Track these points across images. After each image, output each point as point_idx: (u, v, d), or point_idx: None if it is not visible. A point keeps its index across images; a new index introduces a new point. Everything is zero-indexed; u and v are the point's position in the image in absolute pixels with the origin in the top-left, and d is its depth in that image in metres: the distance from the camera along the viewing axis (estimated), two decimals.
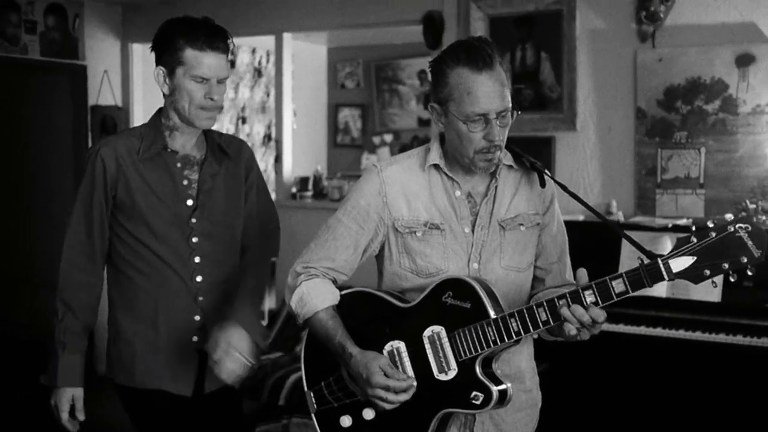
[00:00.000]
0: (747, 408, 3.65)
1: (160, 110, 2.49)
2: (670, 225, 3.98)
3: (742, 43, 4.06)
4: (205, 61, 2.33)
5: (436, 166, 2.09)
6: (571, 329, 1.86)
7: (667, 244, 3.83)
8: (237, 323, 2.39)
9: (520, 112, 2.04)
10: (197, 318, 2.47)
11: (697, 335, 3.66)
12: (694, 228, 1.79)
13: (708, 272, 1.76)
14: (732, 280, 1.78)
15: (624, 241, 3.92)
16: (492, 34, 4.54)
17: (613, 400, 3.90)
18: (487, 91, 1.93)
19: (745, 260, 1.73)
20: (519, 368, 2.14)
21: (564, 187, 2.12)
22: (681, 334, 3.69)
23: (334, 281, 2.15)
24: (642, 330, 3.77)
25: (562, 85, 4.50)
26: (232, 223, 2.56)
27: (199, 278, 2.47)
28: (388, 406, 1.97)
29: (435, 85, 2.02)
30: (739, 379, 3.66)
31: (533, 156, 2.16)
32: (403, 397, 1.96)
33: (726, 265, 1.74)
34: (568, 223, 2.27)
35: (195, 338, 2.47)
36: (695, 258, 1.76)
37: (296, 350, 4.85)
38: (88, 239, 2.44)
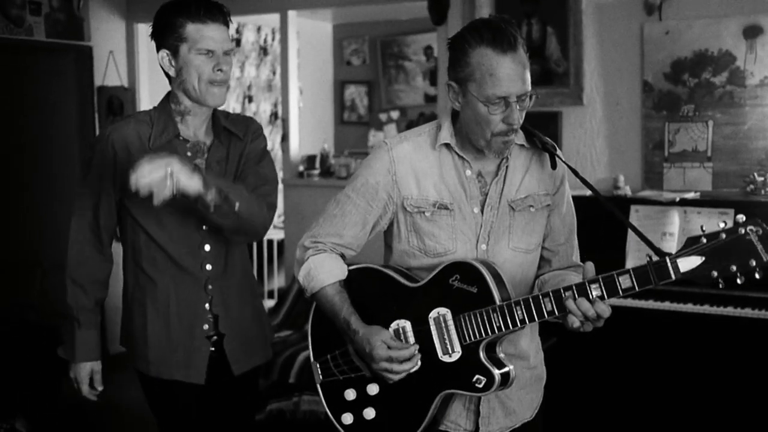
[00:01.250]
0: (754, 380, 3.66)
1: (168, 96, 2.45)
2: (677, 199, 3.96)
3: (749, 14, 4.03)
4: (207, 34, 2.31)
5: (447, 146, 2.08)
6: (574, 321, 1.87)
7: (674, 218, 3.83)
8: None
9: (538, 96, 2.03)
10: (207, 306, 2.48)
11: (705, 308, 3.67)
12: (703, 229, 1.77)
13: (716, 274, 1.73)
14: (739, 282, 1.74)
15: (632, 218, 3.92)
16: (498, 10, 4.52)
17: (621, 374, 3.92)
18: (510, 73, 1.90)
19: (754, 264, 1.70)
20: (523, 347, 2.15)
21: (575, 172, 2.09)
22: (689, 307, 3.70)
23: (342, 256, 2.16)
24: (650, 304, 3.78)
25: (569, 60, 4.48)
26: None
27: (209, 267, 2.47)
28: (394, 377, 1.99)
29: (454, 63, 1.99)
30: (747, 352, 3.67)
31: (541, 131, 2.13)
32: (408, 365, 1.98)
33: (734, 268, 1.72)
34: (576, 198, 2.25)
35: (206, 326, 2.48)
36: (703, 258, 1.74)
37: (306, 328, 4.88)
38: (95, 221, 2.45)
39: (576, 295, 1.85)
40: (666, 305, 3.73)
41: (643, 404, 3.89)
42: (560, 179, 2.15)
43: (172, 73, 2.37)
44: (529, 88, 1.96)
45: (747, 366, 3.67)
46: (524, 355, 2.15)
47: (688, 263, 1.75)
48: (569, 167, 2.11)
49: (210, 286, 2.47)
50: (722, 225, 1.75)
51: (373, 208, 2.10)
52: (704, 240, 1.75)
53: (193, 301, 2.47)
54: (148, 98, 5.99)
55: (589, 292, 1.85)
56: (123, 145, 2.37)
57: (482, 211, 2.07)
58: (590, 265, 1.89)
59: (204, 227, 2.42)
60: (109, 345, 4.90)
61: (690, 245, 1.76)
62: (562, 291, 1.87)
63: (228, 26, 2.37)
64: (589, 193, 4.05)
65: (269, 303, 6.50)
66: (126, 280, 2.54)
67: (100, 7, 5.90)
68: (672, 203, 3.94)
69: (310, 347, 2.21)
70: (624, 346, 3.88)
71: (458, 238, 2.06)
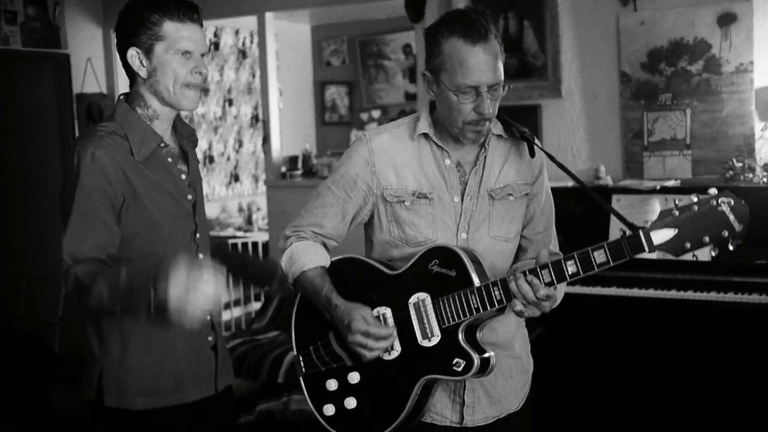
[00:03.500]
0: (738, 363, 3.70)
1: (127, 100, 2.20)
2: (658, 187, 4.00)
3: (723, 2, 4.07)
4: (186, 34, 2.13)
5: (425, 135, 2.10)
6: (516, 305, 1.89)
7: (656, 206, 3.86)
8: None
9: (511, 87, 2.04)
10: (208, 317, 2.25)
11: (689, 294, 3.69)
12: (676, 202, 1.78)
13: (689, 245, 1.75)
14: (713, 254, 1.77)
15: (615, 206, 3.95)
16: (474, 4, 4.54)
17: (608, 362, 3.95)
18: (480, 63, 1.93)
19: (726, 234, 1.73)
20: (507, 337, 2.16)
21: (552, 158, 2.11)
22: (673, 294, 3.73)
23: (324, 246, 2.19)
24: (634, 292, 3.80)
25: (546, 53, 4.50)
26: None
27: None
28: (368, 354, 2.00)
29: (428, 53, 2.02)
30: (731, 335, 3.70)
31: (521, 124, 2.14)
32: (383, 344, 2.00)
33: (707, 239, 1.74)
34: (558, 190, 2.28)
35: (210, 338, 2.28)
36: (676, 231, 1.75)
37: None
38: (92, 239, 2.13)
39: (552, 273, 1.87)
40: (650, 293, 3.76)
41: (633, 393, 3.92)
42: (539, 169, 2.17)
43: (142, 73, 2.14)
44: (501, 78, 1.97)
45: (735, 348, 3.71)
46: (508, 345, 2.17)
47: (661, 236, 1.77)
48: (546, 153, 2.13)
49: None
50: (695, 198, 1.76)
51: (352, 199, 2.13)
52: (677, 213, 1.76)
53: None
54: None
55: (565, 269, 1.86)
56: (115, 164, 2.10)
57: (462, 200, 2.09)
58: (544, 253, 1.90)
59: (198, 235, 2.25)
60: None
61: (663, 218, 1.78)
62: (538, 269, 1.88)
63: (202, 27, 2.21)
64: (571, 183, 4.10)
65: (255, 305, 6.50)
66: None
67: (77, 14, 5.88)
68: (653, 191, 3.98)
69: (293, 341, 2.22)
70: (612, 335, 3.91)
71: (438, 226, 2.08)
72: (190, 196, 2.23)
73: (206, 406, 2.27)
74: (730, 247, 1.75)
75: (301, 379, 2.19)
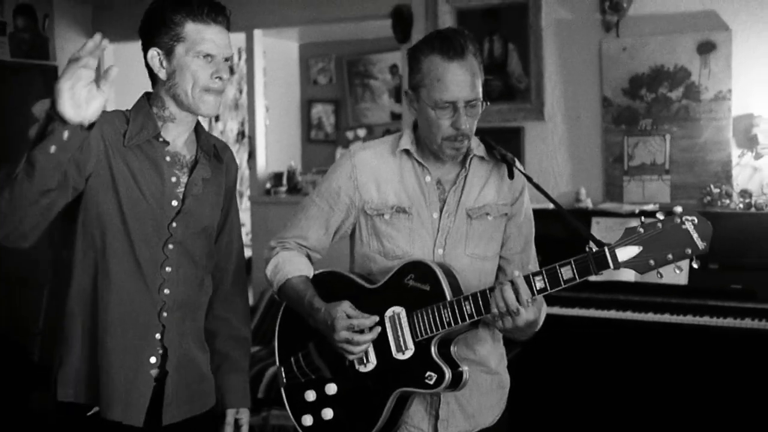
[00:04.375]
0: (712, 385, 3.74)
1: (147, 98, 2.13)
2: (637, 211, 4.06)
3: (703, 31, 4.15)
4: (209, 36, 2.02)
5: (407, 152, 2.15)
6: (495, 314, 1.91)
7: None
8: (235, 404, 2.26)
9: (488, 103, 2.09)
10: (158, 336, 2.09)
11: (666, 317, 3.75)
12: (642, 219, 1.82)
13: (653, 262, 1.79)
14: (677, 272, 1.80)
15: (593, 230, 4.01)
16: (460, 26, 4.60)
17: (586, 382, 3.98)
18: (457, 79, 1.99)
19: (690, 251, 1.77)
20: (483, 353, 2.20)
21: (529, 179, 2.16)
22: (650, 316, 3.77)
23: (308, 257, 2.24)
24: (612, 314, 3.85)
25: (530, 76, 4.57)
26: (209, 237, 2.20)
27: (167, 291, 2.09)
28: (355, 349, 2.03)
29: (410, 71, 2.09)
30: (705, 358, 3.75)
31: (504, 146, 2.20)
32: (369, 337, 2.03)
33: (670, 256, 1.78)
34: (539, 212, 2.32)
35: (153, 359, 2.09)
36: (641, 248, 1.79)
37: (273, 344, 4.89)
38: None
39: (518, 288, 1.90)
40: (628, 315, 3.81)
41: (609, 413, 3.95)
42: (519, 191, 2.21)
43: (162, 75, 2.04)
44: (479, 95, 2.03)
45: (710, 370, 3.75)
46: (484, 361, 2.20)
47: (626, 253, 1.81)
48: (524, 174, 2.17)
49: (165, 314, 2.09)
50: (660, 217, 1.81)
51: (335, 212, 2.18)
52: (641, 230, 1.81)
53: (142, 327, 2.08)
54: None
55: (533, 284, 1.90)
56: (98, 135, 2.00)
57: (440, 217, 2.13)
58: (516, 273, 1.92)
59: (170, 246, 2.09)
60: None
61: (628, 235, 1.82)
62: (498, 288, 1.92)
63: (229, 30, 2.11)
64: (550, 206, 4.16)
65: None
66: (58, 292, 2.12)
67: (66, 26, 5.91)
68: (632, 215, 4.04)
69: (276, 352, 2.26)
70: (589, 355, 3.95)
71: (415, 241, 2.13)
72: (174, 203, 2.09)
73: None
74: (694, 265, 1.79)
75: (282, 389, 2.23)
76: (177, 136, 2.12)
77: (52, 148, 1.74)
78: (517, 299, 1.88)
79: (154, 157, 2.08)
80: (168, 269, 2.09)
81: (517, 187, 2.20)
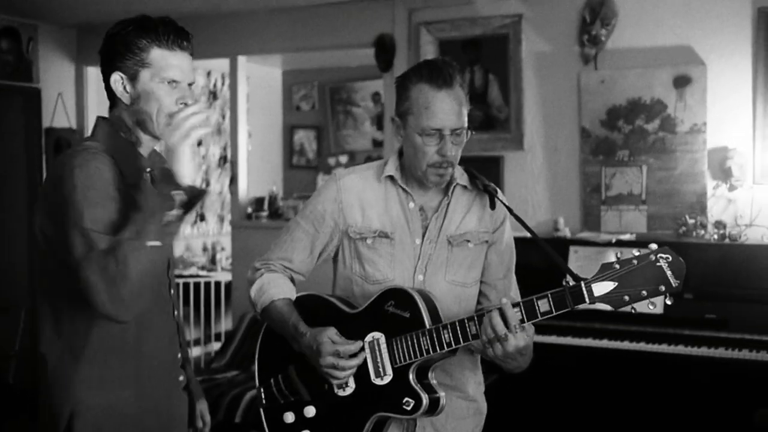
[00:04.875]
0: (686, 413, 3.78)
1: (108, 123, 2.05)
2: (614, 240, 4.12)
3: (679, 65, 4.24)
4: (175, 62, 1.99)
5: (391, 178, 2.19)
6: (484, 342, 1.92)
7: (611, 259, 3.96)
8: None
9: (474, 133, 2.14)
10: (180, 356, 2.16)
11: (641, 346, 3.79)
12: (618, 255, 1.87)
13: (627, 298, 1.83)
14: (651, 308, 1.85)
15: (571, 259, 4.06)
16: (442, 56, 4.67)
17: (562, 409, 4.01)
18: (444, 108, 2.04)
19: (663, 289, 1.81)
20: (460, 379, 2.22)
21: (510, 210, 2.19)
22: (626, 345, 3.82)
23: (291, 279, 2.25)
24: (589, 342, 3.89)
25: (510, 106, 4.64)
26: None
27: (176, 312, 2.15)
28: (340, 374, 2.04)
29: (398, 99, 2.14)
30: (680, 387, 3.79)
31: (483, 175, 2.24)
32: (354, 362, 2.04)
33: (645, 293, 1.82)
34: (518, 240, 2.33)
35: (181, 377, 2.15)
36: (616, 284, 1.83)
37: (252, 369, 4.89)
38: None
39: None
40: (604, 343, 3.85)
41: None
42: (501, 221, 2.25)
43: (126, 99, 2.00)
44: (465, 124, 2.08)
45: (684, 398, 3.79)
46: (461, 387, 2.22)
47: (601, 288, 1.85)
48: (505, 206, 2.21)
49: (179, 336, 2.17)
50: (636, 253, 1.85)
51: (320, 234, 2.21)
52: (617, 266, 1.85)
53: (170, 354, 2.10)
54: None
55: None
56: (113, 168, 1.95)
57: (422, 243, 2.17)
58: (505, 300, 1.95)
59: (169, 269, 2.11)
60: None
61: (604, 271, 1.86)
62: (486, 314, 1.94)
63: (192, 56, 2.08)
64: (528, 235, 4.21)
65: (215, 345, 6.48)
66: (59, 356, 1.97)
67: (51, 49, 5.93)
68: (609, 244, 4.09)
69: (256, 373, 2.28)
70: (565, 382, 3.98)
71: (396, 266, 2.16)
72: None
73: None
74: (667, 302, 1.82)
75: (261, 410, 2.24)
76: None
77: None
78: (506, 326, 1.90)
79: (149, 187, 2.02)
80: (172, 291, 2.14)
81: (498, 216, 2.23)
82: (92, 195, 1.83)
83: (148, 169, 2.04)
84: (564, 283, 1.89)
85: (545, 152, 4.62)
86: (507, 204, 2.22)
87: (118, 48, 1.99)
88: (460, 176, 2.20)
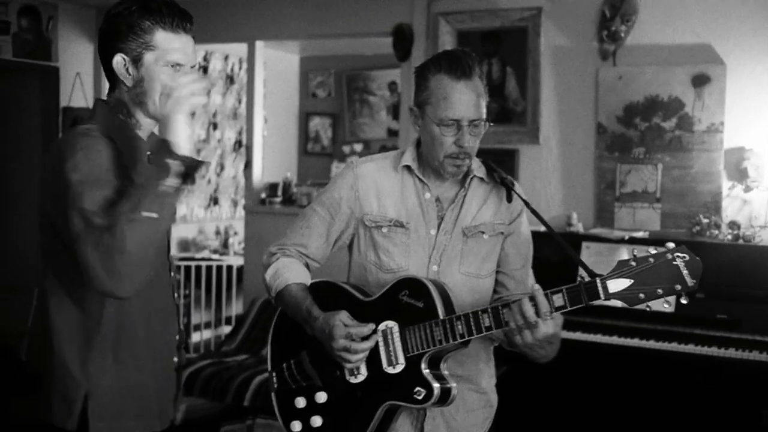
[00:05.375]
0: (695, 413, 3.78)
1: (106, 105, 2.01)
2: (626, 237, 4.11)
3: (697, 63, 4.22)
4: (179, 45, 1.95)
5: (408, 168, 2.19)
6: (513, 330, 1.93)
7: (623, 256, 3.95)
8: None
9: (492, 124, 2.14)
10: (177, 337, 2.15)
11: (651, 344, 3.79)
12: (634, 253, 1.86)
13: (642, 296, 1.83)
14: (666, 307, 1.83)
15: (584, 254, 4.05)
16: (460, 47, 4.66)
17: (569, 404, 4.02)
18: (463, 98, 2.04)
19: (679, 288, 1.80)
20: (472, 370, 2.23)
21: (527, 203, 2.20)
22: (636, 342, 3.82)
23: (307, 266, 2.26)
24: (598, 338, 3.89)
25: (527, 100, 4.63)
26: None
27: (175, 294, 2.15)
28: (353, 358, 2.04)
29: (416, 89, 2.14)
30: (689, 386, 3.79)
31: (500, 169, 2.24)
32: (366, 345, 2.04)
33: (660, 291, 1.81)
34: (533, 234, 2.32)
35: (175, 359, 2.14)
36: (632, 281, 1.83)
37: (262, 353, 4.92)
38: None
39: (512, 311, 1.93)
40: (614, 339, 3.85)
41: None
42: (517, 213, 2.25)
43: (128, 82, 1.95)
44: (483, 115, 2.08)
45: (693, 398, 3.79)
46: (474, 379, 2.23)
47: (617, 285, 1.85)
48: (522, 199, 2.21)
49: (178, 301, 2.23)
50: (652, 251, 1.84)
51: (336, 222, 2.22)
52: (633, 264, 1.84)
53: (169, 334, 2.10)
54: None
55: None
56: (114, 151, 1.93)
57: (437, 234, 2.17)
58: (537, 286, 1.95)
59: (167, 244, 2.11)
60: None
61: (620, 268, 1.86)
62: (500, 307, 1.96)
63: (194, 39, 2.03)
64: (543, 229, 4.21)
65: (226, 329, 6.52)
66: (69, 334, 1.97)
67: (70, 29, 5.95)
68: (621, 241, 4.09)
69: (269, 358, 2.30)
70: (574, 377, 3.98)
71: (411, 256, 2.17)
72: None
73: None
74: (683, 300, 1.82)
75: (272, 394, 2.26)
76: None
77: None
78: (536, 312, 1.90)
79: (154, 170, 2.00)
80: (172, 273, 2.14)
81: (515, 209, 2.23)
82: (91, 177, 1.81)
83: (148, 152, 2.00)
84: (579, 279, 1.89)
85: (560, 147, 4.61)
86: (524, 197, 2.22)
87: (121, 28, 1.94)
88: (478, 168, 2.20)
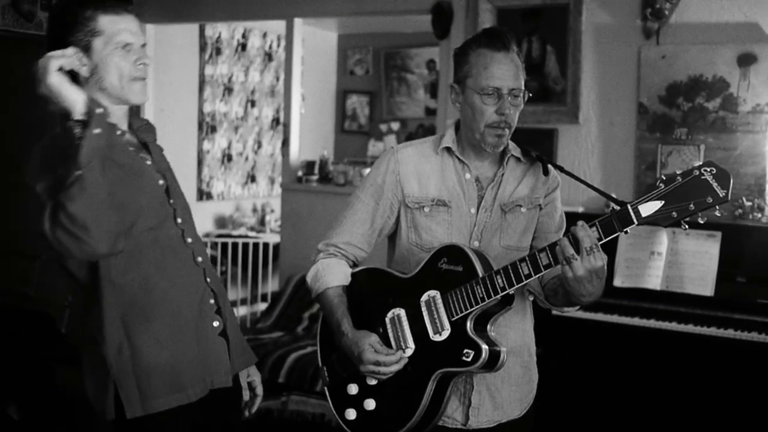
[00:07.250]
0: (733, 398, 3.73)
1: None
2: None
3: (744, 42, 4.12)
4: (124, 26, 2.03)
5: (448, 150, 2.24)
6: (561, 261, 1.91)
7: (663, 239, 3.90)
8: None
9: (531, 95, 2.19)
10: (212, 302, 2.20)
11: (689, 328, 3.73)
12: (662, 176, 1.86)
13: (675, 214, 1.82)
14: (701, 221, 1.82)
15: (621, 235, 4.00)
16: (499, 26, 4.61)
17: (605, 387, 3.99)
18: (503, 68, 2.11)
19: (711, 200, 1.79)
20: (518, 342, 2.25)
21: (562, 168, 2.25)
22: (673, 326, 3.77)
23: (353, 262, 2.32)
24: (635, 321, 3.84)
25: (566, 79, 4.57)
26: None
27: (200, 258, 2.19)
28: (381, 377, 2.13)
29: (456, 67, 2.21)
30: (728, 371, 3.73)
31: (536, 147, 2.31)
32: (395, 368, 2.10)
33: (692, 207, 1.80)
34: (567, 215, 2.37)
35: (216, 323, 2.19)
36: (663, 202, 1.83)
37: (297, 330, 4.95)
38: None
39: (548, 251, 1.95)
40: (651, 323, 3.80)
41: (627, 419, 3.95)
42: (553, 188, 2.30)
43: (84, 72, 2.03)
44: (522, 86, 2.14)
45: (732, 384, 3.74)
46: (518, 351, 2.26)
47: (648, 208, 1.85)
48: (559, 167, 2.26)
49: (209, 279, 2.20)
50: (678, 171, 1.85)
51: (380, 207, 2.27)
52: (662, 185, 1.84)
53: (201, 300, 2.17)
54: (152, 93, 6.07)
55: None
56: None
57: (477, 212, 2.21)
58: (580, 222, 1.95)
59: (179, 219, 2.18)
60: None
61: (649, 191, 1.86)
62: (537, 252, 1.98)
63: (138, 18, 2.12)
64: (580, 210, 4.15)
65: (262, 306, 6.57)
66: (106, 308, 2.04)
67: None
68: None
69: (318, 351, 2.34)
70: (610, 361, 3.95)
71: (453, 234, 2.21)
72: (161, 181, 2.17)
73: (222, 395, 2.19)
74: (717, 213, 1.81)
75: (326, 389, 2.30)
76: (119, 126, 2.15)
77: None
78: (577, 249, 1.89)
79: (124, 149, 2.12)
80: (189, 240, 2.19)
81: (551, 184, 2.29)
82: (38, 170, 1.94)
83: (119, 131, 2.09)
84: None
85: (600, 127, 4.54)
86: (558, 165, 2.26)
87: (64, 23, 2.02)
88: (514, 149, 2.27)
